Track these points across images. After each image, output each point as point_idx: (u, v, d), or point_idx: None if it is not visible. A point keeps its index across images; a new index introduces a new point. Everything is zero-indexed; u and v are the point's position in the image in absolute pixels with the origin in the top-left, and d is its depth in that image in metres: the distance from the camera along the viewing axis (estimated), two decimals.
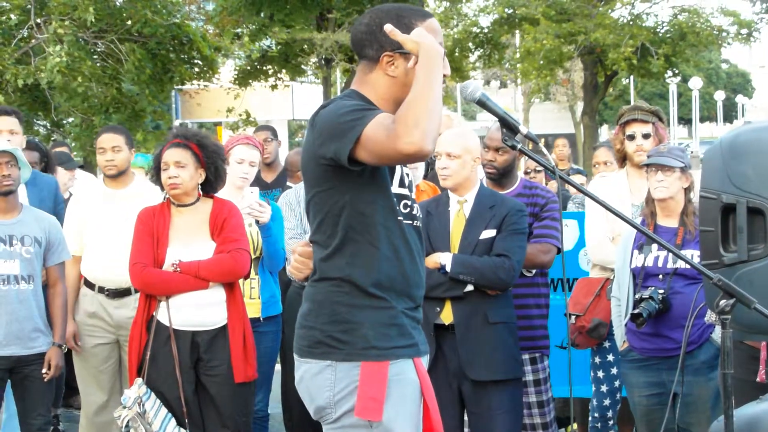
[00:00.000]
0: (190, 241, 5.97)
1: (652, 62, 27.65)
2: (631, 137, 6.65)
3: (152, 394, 5.81)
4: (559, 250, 6.09)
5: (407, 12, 3.88)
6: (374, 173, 3.77)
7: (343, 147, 3.62)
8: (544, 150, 3.97)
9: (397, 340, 3.82)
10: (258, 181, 8.66)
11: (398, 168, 3.91)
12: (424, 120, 3.49)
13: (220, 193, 6.24)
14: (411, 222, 3.92)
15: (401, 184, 3.91)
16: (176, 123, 33.76)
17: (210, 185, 6.10)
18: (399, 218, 3.85)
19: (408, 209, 3.91)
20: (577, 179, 11.48)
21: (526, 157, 4.16)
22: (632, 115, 6.68)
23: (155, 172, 6.08)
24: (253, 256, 6.51)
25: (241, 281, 6.19)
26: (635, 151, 6.62)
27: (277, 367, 7.65)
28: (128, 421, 5.77)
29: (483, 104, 3.88)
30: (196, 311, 5.90)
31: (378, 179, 3.79)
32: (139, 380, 5.84)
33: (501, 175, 6.33)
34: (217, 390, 5.92)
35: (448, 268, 5.65)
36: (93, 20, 18.83)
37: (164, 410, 5.80)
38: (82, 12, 18.86)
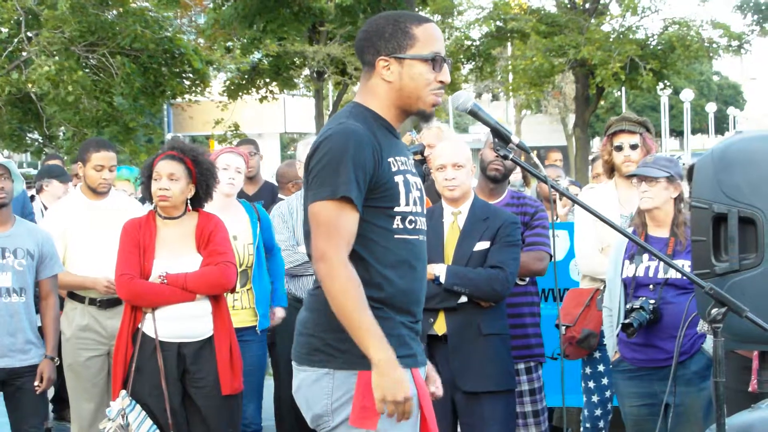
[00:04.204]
0: (176, 253, 5.97)
1: (641, 77, 27.68)
2: (619, 148, 6.67)
3: (136, 406, 5.81)
4: (551, 257, 6.11)
5: (405, 17, 3.91)
6: (373, 197, 3.78)
7: (310, 197, 3.79)
8: (536, 160, 3.99)
9: (395, 350, 3.81)
10: (240, 194, 8.70)
11: (411, 186, 3.90)
12: (334, 290, 3.68)
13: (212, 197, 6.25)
14: (416, 237, 3.92)
15: (408, 203, 3.88)
16: (168, 136, 33.79)
17: (198, 201, 6.11)
18: (401, 236, 3.85)
19: (413, 224, 3.90)
20: (572, 191, 11.50)
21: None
22: (620, 126, 6.70)
23: (145, 181, 6.07)
24: (238, 270, 6.53)
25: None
26: (623, 162, 6.63)
27: (270, 380, 7.65)
28: None
29: (475, 114, 3.90)
30: (182, 323, 5.90)
31: (378, 202, 3.81)
32: (123, 392, 5.83)
33: (504, 177, 6.36)
34: (204, 402, 5.92)
35: (442, 279, 5.66)
36: (74, 30, 18.90)
37: (148, 422, 5.79)
38: (67, 26, 18.94)
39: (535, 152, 3.71)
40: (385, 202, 3.81)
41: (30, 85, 19.12)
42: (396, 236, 3.83)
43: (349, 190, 3.68)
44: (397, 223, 3.84)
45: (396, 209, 3.83)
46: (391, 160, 3.84)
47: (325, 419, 3.83)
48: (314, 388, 3.83)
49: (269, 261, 6.99)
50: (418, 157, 7.07)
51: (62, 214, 6.96)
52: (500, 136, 3.86)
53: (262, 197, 8.92)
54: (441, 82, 3.88)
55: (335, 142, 3.74)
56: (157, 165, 5.99)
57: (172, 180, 5.95)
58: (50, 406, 8.50)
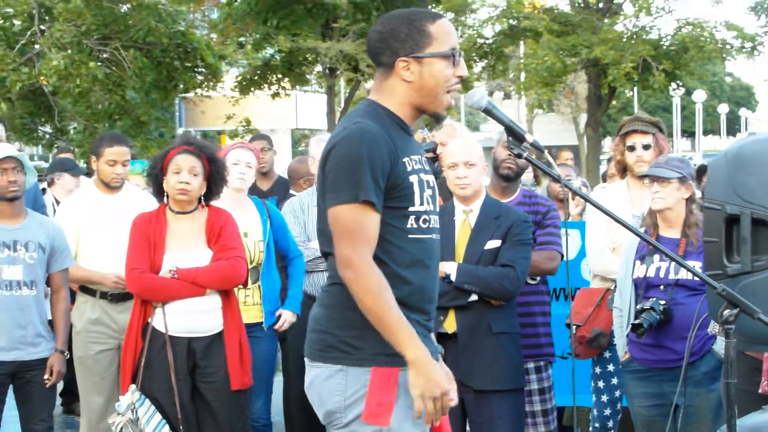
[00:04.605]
0: (186, 248, 5.97)
1: (653, 77, 27.61)
2: (632, 148, 6.66)
3: (146, 400, 5.81)
4: (562, 257, 6.11)
5: (418, 15, 3.90)
6: (389, 198, 3.78)
7: (329, 200, 3.76)
8: (550, 159, 3.98)
9: None
10: (254, 190, 8.71)
11: (425, 185, 3.89)
12: (362, 292, 3.67)
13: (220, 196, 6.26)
14: (430, 236, 3.92)
15: (422, 202, 3.88)
16: (180, 131, 33.84)
17: (206, 198, 6.12)
18: (415, 236, 3.85)
19: (426, 223, 3.90)
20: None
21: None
22: (632, 125, 6.69)
23: (157, 174, 6.06)
24: (249, 267, 6.53)
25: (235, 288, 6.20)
26: (635, 162, 6.63)
27: (279, 377, 7.66)
28: (121, 428, 5.78)
29: (489, 112, 3.90)
30: (192, 318, 5.91)
31: (394, 202, 3.80)
32: (133, 387, 5.84)
33: (516, 175, 6.37)
34: (213, 397, 5.93)
35: (452, 278, 5.66)
36: (91, 24, 18.93)
37: (158, 416, 5.79)
38: (82, 20, 18.97)
39: (547, 151, 3.69)
40: (400, 203, 3.81)
41: (41, 79, 19.14)
42: (410, 236, 3.84)
43: (369, 194, 3.69)
44: (411, 222, 3.84)
45: (411, 209, 3.83)
46: (405, 159, 3.84)
47: (337, 416, 3.83)
48: (327, 384, 3.83)
49: (290, 266, 6.96)
50: (431, 154, 7.07)
51: (75, 208, 6.97)
52: (514, 134, 3.87)
53: (275, 193, 8.91)
54: (459, 76, 3.89)
55: (351, 144, 3.74)
56: (175, 158, 5.98)
57: (192, 174, 5.96)
58: (58, 400, 8.52)
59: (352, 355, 3.80)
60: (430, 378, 3.66)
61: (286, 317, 6.83)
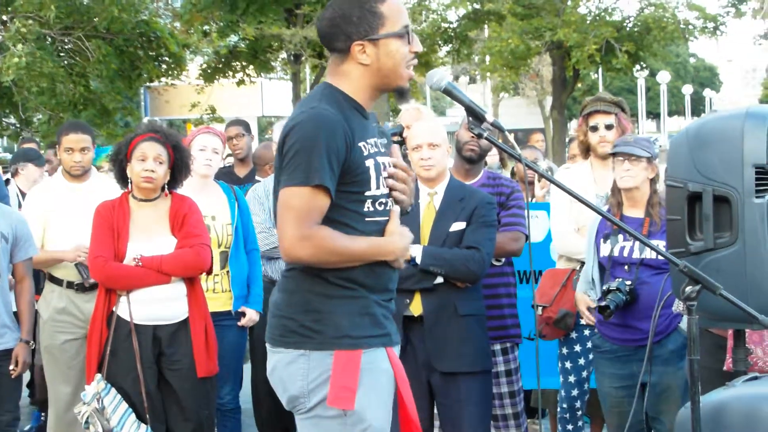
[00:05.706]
0: (150, 235, 5.95)
1: (617, 59, 27.71)
2: (594, 128, 6.68)
3: (112, 389, 5.79)
4: (527, 237, 6.11)
5: None
6: (345, 182, 3.78)
7: (282, 182, 3.78)
8: (510, 138, 3.98)
9: (369, 329, 3.84)
10: (230, 176, 8.68)
11: (381, 168, 3.89)
12: (327, 257, 3.74)
13: (186, 182, 6.23)
14: (386, 217, 3.93)
15: (378, 186, 3.88)
16: (145, 120, 33.62)
17: (170, 185, 6.09)
18: (372, 218, 3.86)
19: (383, 206, 3.90)
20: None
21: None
22: (595, 106, 6.70)
23: (122, 160, 6.01)
24: (217, 251, 6.50)
25: (203, 275, 6.17)
26: (598, 142, 6.65)
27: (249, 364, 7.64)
28: (87, 417, 5.75)
29: (449, 93, 3.89)
30: (157, 305, 5.89)
31: (350, 187, 3.80)
32: (98, 376, 5.82)
33: (480, 157, 6.36)
34: (179, 384, 5.91)
35: (418, 260, 5.65)
36: (55, 18, 18.77)
37: (124, 405, 5.78)
38: (46, 10, 18.81)
39: (513, 135, 3.68)
40: (356, 187, 3.81)
41: (4, 72, 19.00)
42: (368, 219, 3.86)
43: (323, 178, 3.68)
44: (368, 206, 3.85)
45: (367, 193, 3.84)
46: (362, 144, 3.83)
47: (301, 400, 3.82)
48: (289, 369, 3.82)
49: (248, 263, 6.93)
50: (397, 138, 7.06)
51: (42, 197, 6.93)
52: (474, 114, 3.86)
53: (252, 179, 8.90)
54: (415, 52, 3.88)
55: (308, 128, 3.73)
56: (141, 146, 5.94)
57: (158, 162, 5.93)
58: (25, 390, 8.47)
59: (313, 339, 3.79)
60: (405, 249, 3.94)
61: (251, 315, 6.81)
